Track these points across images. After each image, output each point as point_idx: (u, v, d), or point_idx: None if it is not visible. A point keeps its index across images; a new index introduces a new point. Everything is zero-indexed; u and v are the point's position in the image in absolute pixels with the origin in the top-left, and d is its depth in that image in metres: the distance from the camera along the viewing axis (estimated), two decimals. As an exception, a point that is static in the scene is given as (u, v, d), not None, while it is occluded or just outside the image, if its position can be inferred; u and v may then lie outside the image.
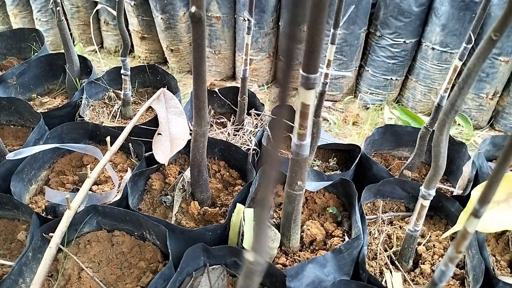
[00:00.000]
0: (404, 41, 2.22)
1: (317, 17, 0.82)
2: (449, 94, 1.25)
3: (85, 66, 1.72)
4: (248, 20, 1.36)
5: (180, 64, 2.71)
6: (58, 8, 1.49)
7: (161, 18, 2.48)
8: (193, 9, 0.98)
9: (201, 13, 0.98)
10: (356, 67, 2.43)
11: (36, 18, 2.80)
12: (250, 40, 1.40)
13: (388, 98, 2.45)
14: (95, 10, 2.06)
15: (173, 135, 1.35)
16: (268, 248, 1.16)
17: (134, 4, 2.53)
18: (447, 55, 2.18)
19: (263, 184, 0.51)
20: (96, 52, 2.81)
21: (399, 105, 2.44)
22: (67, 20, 2.90)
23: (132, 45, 2.87)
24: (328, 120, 2.31)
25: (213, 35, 2.50)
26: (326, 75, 1.28)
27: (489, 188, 0.61)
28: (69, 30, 2.92)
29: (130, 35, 2.81)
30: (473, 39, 1.15)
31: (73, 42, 2.97)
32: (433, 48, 2.19)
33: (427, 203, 1.01)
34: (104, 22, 2.79)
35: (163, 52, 2.74)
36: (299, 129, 0.95)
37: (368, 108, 2.45)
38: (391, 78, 2.36)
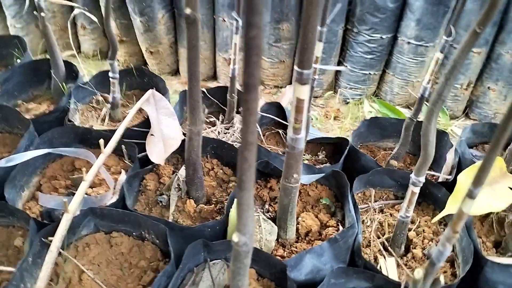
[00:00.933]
0: (381, 37, 2.28)
1: (310, 14, 0.85)
2: (431, 86, 1.30)
3: (70, 71, 1.71)
4: (236, 20, 1.38)
5: (160, 66, 2.71)
6: (42, 14, 1.48)
7: (140, 20, 2.47)
8: (187, 11, 1.01)
9: (195, 14, 1.01)
10: (335, 63, 2.49)
11: (10, 25, 2.74)
12: (238, 40, 1.43)
13: (367, 92, 2.52)
14: (72, 15, 2.04)
15: (165, 135, 1.36)
16: (266, 241, 1.19)
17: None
18: (422, 49, 2.25)
19: (244, 167, 0.54)
20: (74, 56, 2.77)
21: (378, 98, 2.50)
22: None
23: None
24: (310, 116, 2.35)
25: (193, 36, 2.51)
26: (315, 71, 1.32)
27: (483, 170, 0.65)
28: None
29: (107, 38, 2.79)
30: (454, 32, 1.21)
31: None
32: (408, 43, 2.26)
33: (417, 190, 1.06)
34: (81, 26, 2.76)
35: (142, 54, 2.73)
36: (294, 124, 0.99)
37: (348, 103, 2.51)
38: (369, 73, 2.42)
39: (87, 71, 2.55)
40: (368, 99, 2.52)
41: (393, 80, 2.43)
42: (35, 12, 1.50)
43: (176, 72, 2.78)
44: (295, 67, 0.92)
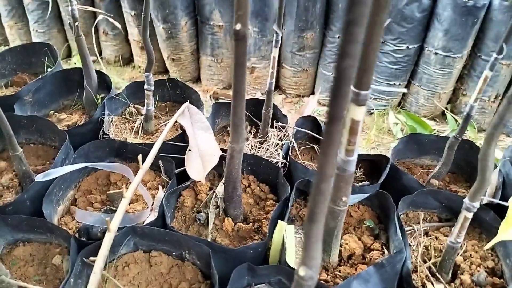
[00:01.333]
0: (407, 47, 2.25)
1: (373, 34, 0.83)
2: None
3: (103, 81, 1.69)
4: (276, 33, 1.35)
5: (181, 73, 2.69)
6: (76, 23, 1.46)
7: (163, 27, 2.46)
8: (238, 26, 0.97)
9: (245, 30, 0.97)
10: (359, 73, 2.45)
11: (33, 30, 2.74)
12: (277, 53, 1.40)
13: (391, 103, 2.48)
14: (96, 21, 2.02)
15: (202, 151, 1.33)
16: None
17: (135, 14, 2.50)
18: (449, 60, 2.21)
19: (318, 200, 0.51)
20: (95, 62, 2.76)
21: (403, 109, 2.47)
22: (64, 31, 2.84)
23: (131, 55, 2.84)
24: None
25: (215, 44, 2.50)
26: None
27: None
28: (67, 41, 2.87)
29: (129, 45, 2.78)
30: (505, 49, 1.17)
31: (71, 53, 2.92)
32: (436, 53, 2.22)
33: (470, 215, 1.03)
34: (103, 32, 2.74)
35: (163, 61, 2.71)
36: (347, 145, 0.95)
37: (372, 114, 2.48)
38: (394, 84, 2.38)
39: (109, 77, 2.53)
40: (393, 110, 2.48)
41: (418, 91, 2.40)
42: (69, 22, 1.49)
43: (197, 80, 2.76)
44: (352, 88, 0.89)
